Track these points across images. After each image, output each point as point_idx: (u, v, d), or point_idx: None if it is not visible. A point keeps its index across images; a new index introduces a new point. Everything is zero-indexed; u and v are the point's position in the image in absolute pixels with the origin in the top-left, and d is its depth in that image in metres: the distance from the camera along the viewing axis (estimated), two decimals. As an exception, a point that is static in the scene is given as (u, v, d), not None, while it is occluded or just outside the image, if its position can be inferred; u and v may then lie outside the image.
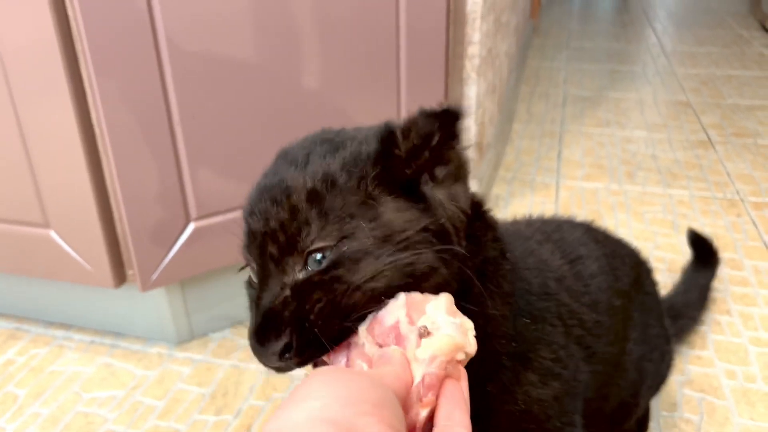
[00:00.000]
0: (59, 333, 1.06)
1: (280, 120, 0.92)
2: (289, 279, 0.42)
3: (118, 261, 0.92)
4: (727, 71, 2.44)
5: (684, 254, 1.21)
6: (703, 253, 1.08)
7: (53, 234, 0.91)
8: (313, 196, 0.42)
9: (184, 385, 0.94)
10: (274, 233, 0.42)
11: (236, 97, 0.88)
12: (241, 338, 1.03)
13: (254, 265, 0.44)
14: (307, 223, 0.42)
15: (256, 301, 0.43)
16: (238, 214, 0.96)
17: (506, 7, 1.65)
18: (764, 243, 1.28)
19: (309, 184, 0.43)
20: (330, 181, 0.43)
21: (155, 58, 0.81)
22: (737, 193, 1.49)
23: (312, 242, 0.41)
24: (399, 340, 0.39)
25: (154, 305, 0.99)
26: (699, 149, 1.74)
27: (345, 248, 0.41)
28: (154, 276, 0.91)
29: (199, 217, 0.92)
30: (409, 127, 0.44)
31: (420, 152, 0.44)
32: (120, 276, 0.93)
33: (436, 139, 0.43)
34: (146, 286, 0.91)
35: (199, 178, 0.90)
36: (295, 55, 0.91)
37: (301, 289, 0.41)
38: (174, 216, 0.90)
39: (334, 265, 0.41)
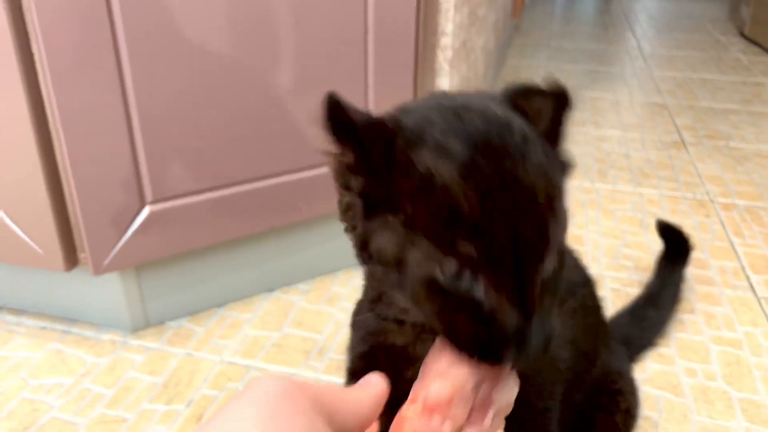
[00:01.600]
0: (10, 318, 1.02)
1: (240, 104, 0.90)
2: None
3: (69, 244, 0.89)
4: (703, 75, 2.45)
5: (652, 252, 1.21)
6: (674, 244, 1.07)
7: (2, 214, 0.88)
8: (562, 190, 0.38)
9: (135, 374, 0.91)
10: (548, 239, 0.35)
11: (197, 78, 0.86)
12: (198, 327, 1.01)
13: (509, 277, 0.34)
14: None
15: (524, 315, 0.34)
16: (195, 200, 0.94)
17: (483, 2, 1.64)
18: (731, 243, 1.28)
19: (559, 178, 0.38)
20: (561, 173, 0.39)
21: (110, 34, 0.79)
22: (707, 193, 1.49)
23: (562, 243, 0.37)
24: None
25: (109, 291, 0.97)
26: (672, 149, 1.74)
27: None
28: (107, 260, 0.88)
29: (155, 201, 0.89)
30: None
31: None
32: (72, 260, 0.90)
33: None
34: (99, 270, 0.88)
35: (155, 161, 0.87)
36: (259, 41, 0.88)
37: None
38: (128, 199, 0.87)
39: (560, 266, 0.37)
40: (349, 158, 0.38)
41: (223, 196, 0.94)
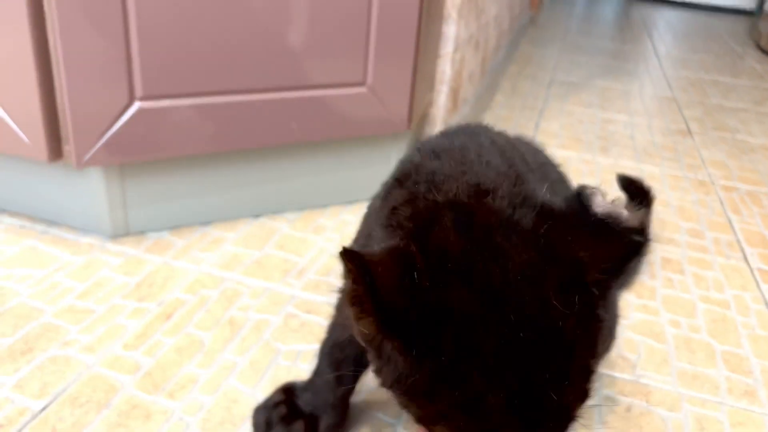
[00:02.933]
0: (-9, 217, 1.01)
1: (241, 12, 0.89)
2: None
3: (55, 134, 0.88)
4: (715, 77, 2.43)
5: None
6: (636, 195, 1.07)
7: (-10, 98, 0.87)
8: None
9: (110, 273, 0.90)
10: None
11: (197, -26, 0.84)
12: (179, 239, 0.99)
13: None
14: None
15: None
16: (187, 102, 0.92)
17: (499, -32, 1.62)
18: (728, 219, 1.26)
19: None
20: None
21: None
22: (709, 176, 1.47)
23: None
24: None
25: (91, 194, 0.95)
26: (677, 136, 1.72)
27: None
28: (90, 153, 0.87)
29: (146, 97, 0.88)
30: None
31: None
32: (56, 150, 0.89)
33: None
34: (81, 163, 0.87)
35: (148, 57, 0.86)
36: (264, -58, 0.87)
37: None
38: (118, 92, 0.86)
39: None
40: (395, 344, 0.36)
41: (216, 104, 0.92)
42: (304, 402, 0.66)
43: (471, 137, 0.49)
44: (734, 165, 1.55)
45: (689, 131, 1.77)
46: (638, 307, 0.94)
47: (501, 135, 0.57)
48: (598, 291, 0.37)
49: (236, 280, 0.91)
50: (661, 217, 1.23)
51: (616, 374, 0.80)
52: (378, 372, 0.39)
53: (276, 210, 1.10)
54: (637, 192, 1.11)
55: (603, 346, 0.71)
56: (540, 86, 2.07)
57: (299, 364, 0.76)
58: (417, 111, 1.14)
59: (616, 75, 2.32)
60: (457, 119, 1.42)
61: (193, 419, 0.67)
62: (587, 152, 1.53)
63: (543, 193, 0.41)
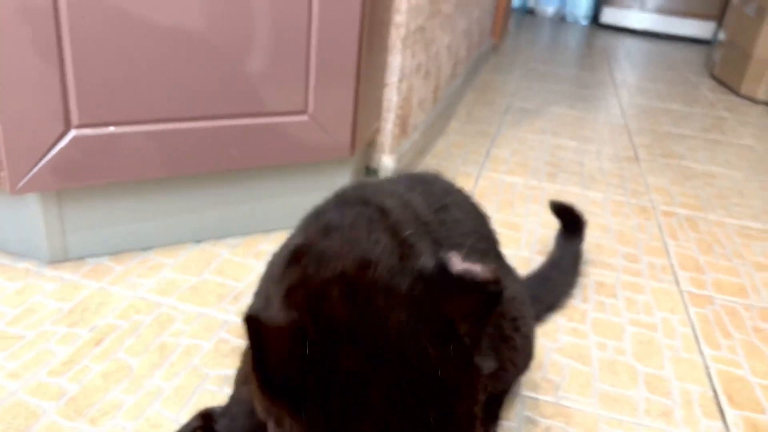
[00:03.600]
0: (-72, 242, 1.01)
1: (178, 41, 0.91)
2: None
3: (-10, 161, 0.89)
4: (669, 105, 2.51)
5: (588, 244, 1.23)
6: (569, 221, 1.12)
7: (-76, 124, 0.87)
8: None
9: (43, 299, 0.90)
10: None
11: (133, 6, 0.86)
12: (118, 265, 1.00)
13: None
14: None
15: None
16: (125, 130, 0.94)
17: (451, 0, 1.67)
18: (664, 244, 1.30)
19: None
20: None
21: (48, -52, 0.79)
22: (651, 201, 1.51)
23: None
24: None
25: (28, 219, 0.96)
26: (625, 162, 1.77)
27: None
28: (25, 180, 0.88)
29: (82, 125, 0.89)
30: None
31: None
32: (-10, 177, 0.89)
33: None
34: (14, 188, 0.88)
35: (84, 85, 0.87)
36: (201, -24, 0.90)
37: None
38: (53, 119, 0.87)
39: None
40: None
41: (155, 131, 0.94)
42: (222, 427, 0.67)
43: (363, 209, 0.54)
44: (676, 191, 1.60)
45: (637, 158, 1.82)
46: (568, 330, 0.97)
47: (402, 191, 0.63)
48: (470, 341, 0.41)
49: (171, 306, 0.91)
50: (599, 242, 1.27)
51: (539, 396, 0.82)
52: None
53: (219, 235, 1.11)
54: (569, 218, 1.16)
55: (520, 365, 0.73)
56: (496, 113, 2.12)
57: (226, 389, 0.77)
58: (361, 138, 1.17)
59: (572, 102, 2.38)
60: (407, 145, 1.45)
61: (113, 445, 0.68)
62: (534, 178, 1.57)
63: (424, 257, 0.46)
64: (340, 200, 0.60)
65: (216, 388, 0.77)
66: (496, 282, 0.41)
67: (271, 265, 0.58)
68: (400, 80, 1.30)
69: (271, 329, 0.38)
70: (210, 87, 0.96)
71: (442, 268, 0.42)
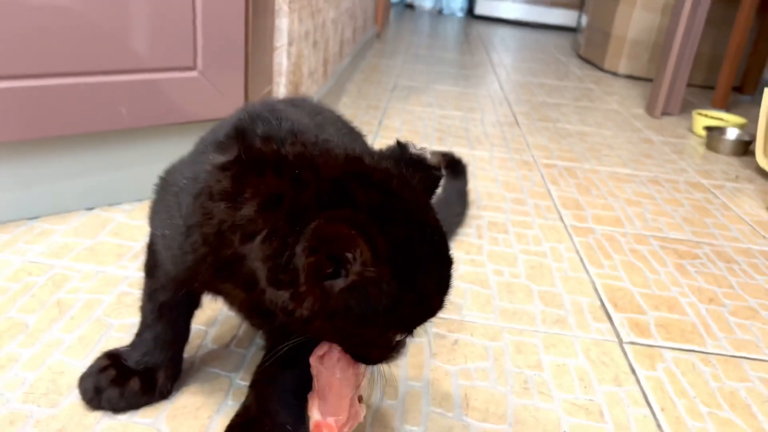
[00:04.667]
0: None
1: (54, -11, 0.87)
2: None
3: None
4: (542, 80, 2.68)
5: (479, 193, 1.30)
6: (453, 166, 1.19)
7: None
8: None
9: None
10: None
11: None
12: (3, 234, 0.94)
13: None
14: None
15: None
16: (2, 85, 0.87)
17: (332, -26, 1.70)
18: (547, 189, 1.39)
19: None
20: None
21: None
22: (532, 156, 1.62)
23: None
24: None
25: None
26: (506, 127, 1.88)
27: None
28: None
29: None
30: None
31: None
32: None
33: None
34: None
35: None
36: None
37: None
38: None
39: None
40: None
41: (31, 87, 0.89)
42: (134, 362, 0.65)
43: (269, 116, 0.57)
44: (554, 147, 1.72)
45: (517, 123, 1.94)
46: (466, 261, 1.02)
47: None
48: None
49: (66, 266, 0.87)
50: (489, 191, 1.34)
51: (445, 316, 0.87)
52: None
53: (112, 201, 1.07)
54: (450, 162, 1.22)
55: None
56: (384, 90, 2.17)
57: (133, 336, 0.75)
58: (254, 97, 1.17)
59: (454, 80, 2.48)
60: (300, 114, 1.46)
61: (14, 394, 0.64)
62: (425, 142, 1.63)
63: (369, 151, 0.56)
64: (240, 118, 0.59)
65: (122, 335, 0.75)
66: (439, 168, 0.52)
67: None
68: (290, 44, 1.32)
69: (363, 221, 0.45)
70: (92, 41, 0.92)
71: (402, 151, 0.52)
